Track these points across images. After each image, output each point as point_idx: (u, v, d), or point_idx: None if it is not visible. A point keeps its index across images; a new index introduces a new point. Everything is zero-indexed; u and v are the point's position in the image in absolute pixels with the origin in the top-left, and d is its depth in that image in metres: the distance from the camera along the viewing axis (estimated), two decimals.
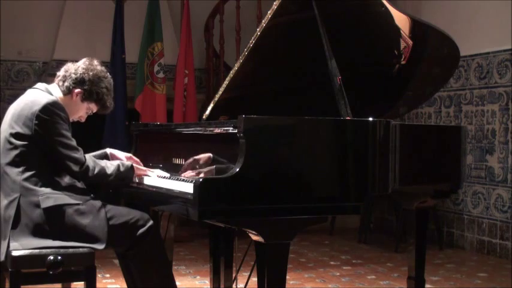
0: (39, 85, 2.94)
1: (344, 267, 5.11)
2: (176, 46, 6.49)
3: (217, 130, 2.71)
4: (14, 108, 2.86)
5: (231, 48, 6.53)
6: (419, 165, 2.95)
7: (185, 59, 6.13)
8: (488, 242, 5.73)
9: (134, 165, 2.96)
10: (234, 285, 3.44)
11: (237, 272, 3.39)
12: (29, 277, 2.72)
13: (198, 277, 4.68)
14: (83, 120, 3.06)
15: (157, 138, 3.44)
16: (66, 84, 2.93)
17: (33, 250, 2.67)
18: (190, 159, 2.90)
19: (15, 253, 2.64)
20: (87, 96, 2.94)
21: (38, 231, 2.70)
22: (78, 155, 2.79)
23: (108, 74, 3.03)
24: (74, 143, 2.80)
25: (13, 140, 2.76)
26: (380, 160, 2.58)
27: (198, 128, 2.95)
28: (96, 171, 2.81)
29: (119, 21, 6.03)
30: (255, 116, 2.36)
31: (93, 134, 3.21)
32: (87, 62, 2.98)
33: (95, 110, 3.02)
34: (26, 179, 2.73)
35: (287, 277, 2.50)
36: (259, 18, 6.11)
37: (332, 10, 3.03)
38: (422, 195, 3.14)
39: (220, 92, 3.29)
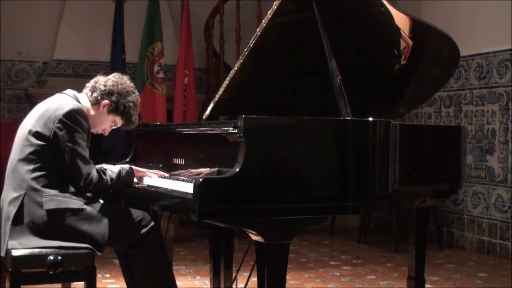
0: (68, 91, 2.96)
1: (344, 267, 5.10)
2: (176, 46, 6.49)
3: (217, 130, 2.71)
4: (39, 108, 2.88)
5: (231, 48, 6.53)
6: (419, 165, 2.94)
7: (185, 59, 6.12)
8: (488, 242, 5.73)
9: (133, 167, 2.97)
10: (234, 285, 3.44)
11: (237, 272, 3.39)
12: (29, 277, 2.71)
13: (198, 277, 4.68)
14: (106, 133, 3.07)
15: (157, 138, 3.44)
16: (94, 94, 2.95)
17: (33, 250, 2.66)
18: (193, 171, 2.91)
19: (15, 253, 2.64)
20: (114, 108, 2.96)
21: (38, 232, 2.70)
22: (87, 168, 2.78)
23: (136, 91, 3.07)
24: (87, 154, 2.80)
25: (31, 138, 2.77)
26: (380, 160, 2.58)
27: (198, 128, 2.95)
28: (98, 185, 2.80)
29: (119, 21, 6.03)
30: (255, 116, 2.36)
31: (93, 134, 3.20)
32: (117, 76, 3.02)
33: (119, 124, 3.03)
34: (35, 178, 2.73)
35: (287, 277, 2.50)
36: (259, 18, 6.11)
37: (332, 10, 3.03)
38: (422, 195, 3.14)
39: (220, 92, 3.29)
